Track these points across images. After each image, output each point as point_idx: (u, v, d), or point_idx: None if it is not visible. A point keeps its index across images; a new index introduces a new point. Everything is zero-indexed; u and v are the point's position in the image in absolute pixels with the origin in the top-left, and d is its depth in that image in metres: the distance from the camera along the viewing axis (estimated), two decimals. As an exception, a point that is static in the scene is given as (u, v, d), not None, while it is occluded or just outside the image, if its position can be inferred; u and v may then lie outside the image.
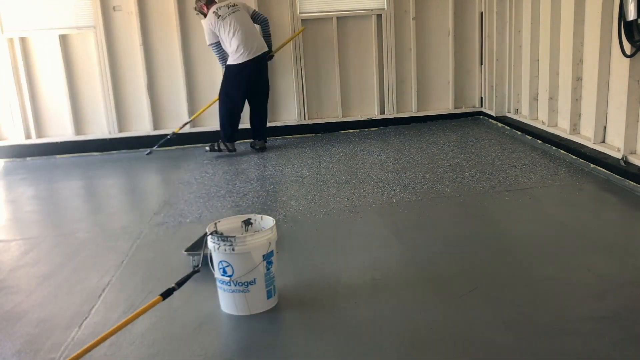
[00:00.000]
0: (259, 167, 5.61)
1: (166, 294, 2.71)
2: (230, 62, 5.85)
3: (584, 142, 5.04)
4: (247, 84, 5.94)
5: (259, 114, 6.23)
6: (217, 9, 5.79)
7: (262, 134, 6.30)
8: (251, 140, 6.33)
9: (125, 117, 6.73)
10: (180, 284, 2.73)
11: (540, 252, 3.32)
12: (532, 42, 5.92)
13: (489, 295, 2.86)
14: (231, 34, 5.72)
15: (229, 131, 6.11)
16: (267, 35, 6.12)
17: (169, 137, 6.34)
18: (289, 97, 6.85)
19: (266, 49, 5.99)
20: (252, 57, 5.78)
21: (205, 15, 5.91)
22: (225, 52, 5.89)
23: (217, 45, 5.90)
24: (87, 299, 3.09)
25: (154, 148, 6.37)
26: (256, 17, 6.01)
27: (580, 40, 5.09)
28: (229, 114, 6.03)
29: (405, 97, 7.03)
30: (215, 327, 2.76)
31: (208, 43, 5.92)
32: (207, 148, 6.20)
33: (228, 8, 5.79)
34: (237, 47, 5.73)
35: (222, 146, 6.13)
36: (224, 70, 6.00)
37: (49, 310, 2.99)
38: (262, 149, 6.26)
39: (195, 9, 6.07)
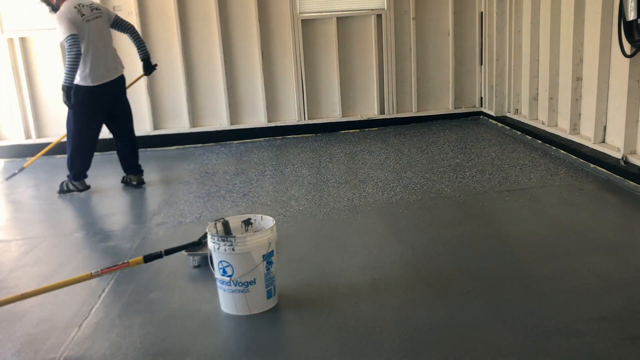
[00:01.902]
0: (259, 167, 5.61)
1: (149, 258, 2.78)
2: (78, 81, 4.66)
3: (584, 142, 5.04)
4: (101, 109, 4.91)
5: (126, 142, 5.22)
6: (78, 5, 4.64)
7: (135, 165, 5.26)
8: (123, 175, 5.34)
9: (125, 117, 6.71)
10: (168, 252, 2.77)
11: (540, 252, 3.32)
12: (532, 42, 5.92)
13: (489, 295, 2.86)
14: (86, 46, 4.63)
15: (77, 167, 5.01)
16: (140, 42, 5.07)
17: (15, 172, 5.50)
18: (289, 97, 6.85)
19: (121, 72, 4.96)
20: (104, 82, 4.78)
21: (52, 7, 4.73)
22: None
23: (77, 41, 4.51)
24: (87, 299, 3.09)
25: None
26: (120, 26, 4.98)
27: (580, 40, 5.10)
28: (77, 145, 4.94)
29: (405, 97, 7.03)
30: (215, 327, 2.76)
31: (66, 35, 4.48)
32: (57, 190, 5.14)
33: (91, 10, 4.71)
34: (90, 66, 4.67)
35: (71, 186, 5.07)
36: (66, 81, 4.54)
37: (49, 310, 2.99)
38: (140, 184, 5.23)
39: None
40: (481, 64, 6.99)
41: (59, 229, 4.36)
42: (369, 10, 6.76)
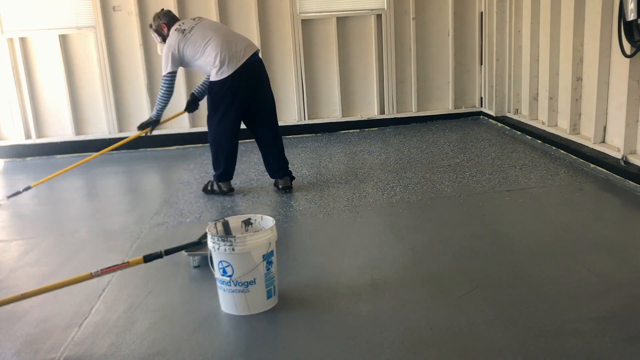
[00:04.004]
0: (259, 167, 5.60)
1: (149, 258, 2.78)
2: (213, 77, 4.48)
3: (584, 142, 5.04)
4: (239, 102, 4.53)
5: (270, 142, 4.75)
6: (180, 25, 4.51)
7: (283, 168, 4.80)
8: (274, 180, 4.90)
9: (125, 117, 6.73)
10: (168, 252, 2.77)
11: (540, 252, 3.32)
12: (532, 42, 5.92)
13: (489, 295, 2.86)
14: (203, 45, 4.42)
15: (221, 168, 4.73)
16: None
17: (22, 191, 4.91)
18: (289, 97, 6.85)
19: (256, 48, 4.59)
20: (238, 66, 4.40)
21: (163, 38, 4.59)
22: (173, 86, 4.56)
23: (173, 77, 4.53)
24: (87, 299, 3.09)
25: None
26: None
27: (580, 40, 5.10)
28: (219, 146, 4.67)
29: (405, 97, 7.03)
30: (215, 327, 2.76)
31: (166, 71, 4.48)
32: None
33: (193, 20, 4.59)
34: (216, 57, 4.38)
35: (215, 186, 4.82)
36: (155, 116, 4.70)
37: (49, 310, 2.99)
38: (287, 189, 4.76)
39: (151, 27, 4.70)
40: (481, 64, 6.99)
41: (59, 229, 4.36)
42: (369, 10, 6.76)
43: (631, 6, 4.16)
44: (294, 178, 4.88)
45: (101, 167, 6.16)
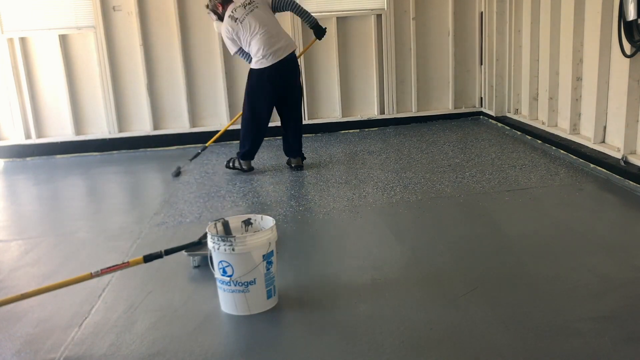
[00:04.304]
0: (259, 167, 5.60)
1: (149, 258, 2.78)
2: (252, 65, 5.06)
3: (584, 142, 5.04)
4: (273, 91, 5.08)
5: (292, 124, 5.36)
6: (233, 11, 4.97)
7: (297, 149, 5.44)
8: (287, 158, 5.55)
9: (125, 117, 6.73)
10: (168, 252, 2.77)
11: (540, 252, 3.32)
12: (532, 42, 5.92)
13: (489, 295, 2.86)
14: (250, 37, 4.93)
15: (246, 147, 5.29)
16: (303, 13, 5.18)
17: (199, 151, 5.78)
18: (289, 97, 6.83)
19: (294, 48, 5.13)
20: (276, 61, 4.96)
21: (219, 16, 5.13)
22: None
23: (242, 51, 5.10)
24: (87, 299, 3.09)
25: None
26: (281, 6, 5.10)
27: (580, 40, 5.10)
28: (249, 127, 5.24)
29: (405, 97, 7.03)
30: (215, 327, 2.76)
31: (233, 53, 5.14)
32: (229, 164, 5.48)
33: (244, 8, 4.96)
34: (258, 50, 4.93)
35: (237, 163, 5.40)
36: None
37: (49, 310, 2.99)
38: (298, 167, 5.40)
39: (207, 7, 5.21)
40: (481, 64, 6.99)
41: (59, 229, 4.36)
42: (369, 10, 6.76)
43: (631, 6, 4.16)
44: (305, 159, 5.50)
45: (101, 167, 6.16)
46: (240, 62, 6.63)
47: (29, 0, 6.37)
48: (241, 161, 5.36)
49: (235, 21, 4.94)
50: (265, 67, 4.96)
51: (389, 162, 5.44)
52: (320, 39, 5.40)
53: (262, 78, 5.02)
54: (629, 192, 4.23)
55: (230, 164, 5.43)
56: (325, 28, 5.39)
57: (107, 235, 4.09)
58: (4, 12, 6.39)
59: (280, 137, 5.55)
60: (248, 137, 5.25)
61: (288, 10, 5.16)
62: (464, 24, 6.93)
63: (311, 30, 5.33)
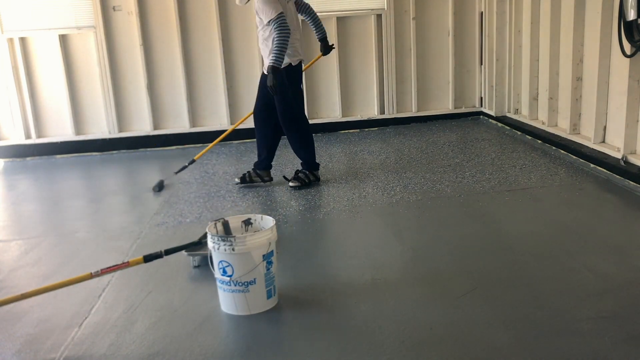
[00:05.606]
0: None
1: (149, 258, 2.78)
2: (287, 59, 4.50)
3: (584, 142, 5.04)
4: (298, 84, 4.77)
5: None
6: None
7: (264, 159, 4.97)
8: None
9: (125, 117, 6.72)
10: (168, 252, 2.77)
11: (540, 252, 3.32)
12: (532, 42, 5.92)
13: (489, 295, 2.86)
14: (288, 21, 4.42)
15: (313, 155, 4.79)
16: (318, 22, 4.91)
17: (186, 165, 5.36)
18: (289, 97, 6.84)
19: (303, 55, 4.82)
20: (297, 63, 4.67)
21: None
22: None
23: (284, 18, 4.31)
24: (87, 299, 3.09)
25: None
26: (302, 8, 4.84)
27: (580, 40, 5.10)
28: (305, 131, 4.77)
29: (405, 97, 7.03)
30: (215, 327, 2.76)
31: (276, 13, 4.27)
32: (292, 184, 4.77)
33: None
34: (292, 43, 4.49)
35: (312, 177, 4.82)
36: (277, 62, 4.35)
37: (49, 310, 2.99)
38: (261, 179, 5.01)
39: None
40: (481, 64, 6.99)
41: (59, 229, 4.36)
42: (369, 10, 6.75)
43: (631, 6, 4.16)
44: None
45: (101, 167, 6.17)
46: (240, 62, 6.66)
47: (29, 0, 6.37)
48: (314, 172, 4.83)
49: (280, 1, 4.37)
50: (298, 63, 4.65)
51: (389, 162, 5.44)
52: (326, 54, 5.14)
53: (298, 72, 4.69)
54: (629, 192, 4.23)
55: (306, 180, 4.78)
56: (333, 45, 5.15)
57: (107, 235, 4.09)
58: (4, 12, 6.38)
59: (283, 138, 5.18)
60: (309, 143, 4.79)
61: (306, 13, 4.87)
62: (464, 24, 6.93)
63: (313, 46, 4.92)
